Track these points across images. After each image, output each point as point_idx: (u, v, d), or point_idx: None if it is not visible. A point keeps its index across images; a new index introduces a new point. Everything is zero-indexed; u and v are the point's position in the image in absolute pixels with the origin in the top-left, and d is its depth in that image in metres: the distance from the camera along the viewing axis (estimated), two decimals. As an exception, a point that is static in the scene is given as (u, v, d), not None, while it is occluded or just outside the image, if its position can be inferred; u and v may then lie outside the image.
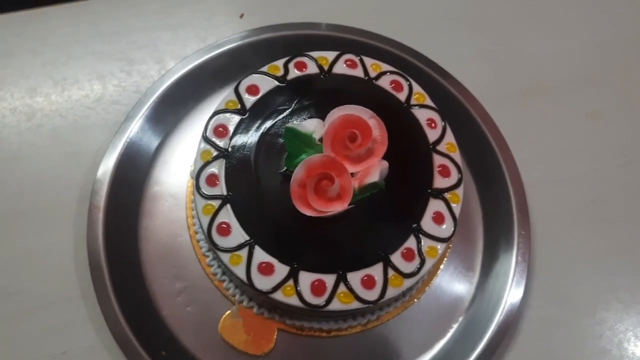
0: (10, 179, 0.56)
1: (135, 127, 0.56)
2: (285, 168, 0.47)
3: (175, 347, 0.51)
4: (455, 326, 0.54)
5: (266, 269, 0.45)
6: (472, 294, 0.55)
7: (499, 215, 0.56)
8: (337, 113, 0.46)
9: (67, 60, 0.61)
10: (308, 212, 0.45)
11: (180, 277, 0.53)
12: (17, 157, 0.56)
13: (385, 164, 0.46)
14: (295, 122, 0.49)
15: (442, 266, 0.55)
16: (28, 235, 0.54)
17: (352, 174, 0.46)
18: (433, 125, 0.51)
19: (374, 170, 0.45)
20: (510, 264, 0.54)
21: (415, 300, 0.54)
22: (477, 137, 0.58)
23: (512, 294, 0.53)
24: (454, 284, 0.55)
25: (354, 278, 0.45)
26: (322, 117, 0.48)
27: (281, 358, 0.52)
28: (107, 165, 0.54)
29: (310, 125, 0.47)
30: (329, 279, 0.45)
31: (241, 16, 0.64)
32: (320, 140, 0.47)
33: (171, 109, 0.58)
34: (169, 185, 0.57)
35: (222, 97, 0.51)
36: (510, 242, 0.55)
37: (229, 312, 0.52)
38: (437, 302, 0.55)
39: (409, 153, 0.49)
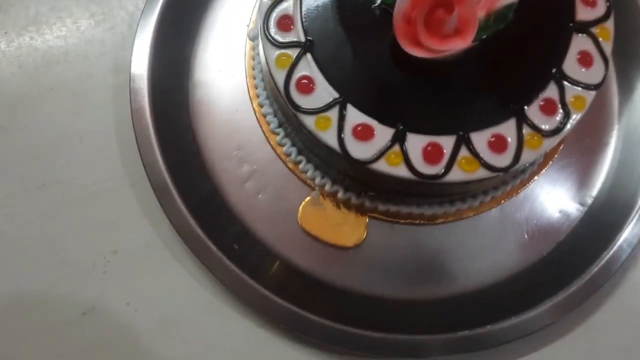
0: (30, 50, 0.46)
1: (175, -20, 0.44)
2: (380, 0, 0.36)
3: (248, 240, 0.42)
4: (584, 209, 0.44)
5: (363, 133, 0.35)
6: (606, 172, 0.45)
7: None
8: None
9: None
10: (418, 53, 0.34)
11: (246, 160, 0.44)
12: (36, 22, 0.46)
13: (520, -17, 0.35)
14: None
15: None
16: (58, 116, 0.44)
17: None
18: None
19: (508, -10, 0.34)
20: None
21: (536, 177, 0.44)
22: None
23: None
24: (582, 160, 0.45)
25: (479, 139, 0.35)
26: None
27: (374, 251, 0.43)
28: (146, 27, 0.43)
29: (416, -63, 0.35)
30: (447, 142, 0.35)
31: None
32: (430, -45, 0.35)
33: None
34: (222, 50, 0.46)
35: None
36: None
37: (308, 198, 0.43)
38: (564, 177, 0.44)
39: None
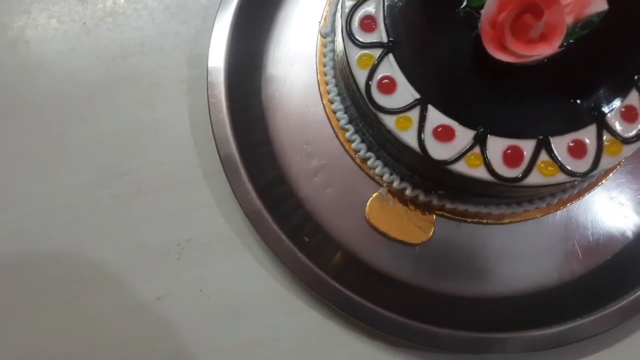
0: (107, 41, 0.47)
1: (252, -25, 0.45)
2: (465, 3, 0.36)
3: (318, 232, 0.43)
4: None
5: (444, 134, 0.36)
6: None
7: None
8: None
9: None
10: (505, 58, 0.34)
11: (315, 155, 0.45)
12: (113, 13, 0.47)
13: (609, -10, 0.35)
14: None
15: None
16: (134, 106, 0.46)
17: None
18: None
19: (598, -3, 0.34)
20: None
21: (603, 181, 0.44)
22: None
23: None
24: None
25: (559, 144, 0.35)
26: None
27: (440, 249, 0.44)
28: (222, 22, 0.44)
29: (505, -59, 0.36)
30: (527, 145, 0.35)
31: None
32: (519, -40, 0.35)
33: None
34: (293, 46, 0.47)
35: None
36: None
37: (376, 194, 0.44)
38: (631, 182, 0.44)
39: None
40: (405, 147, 0.36)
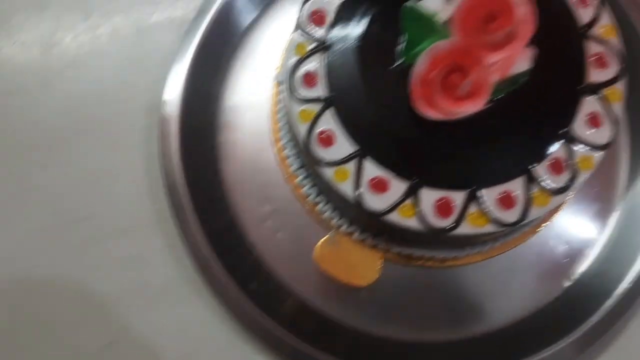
0: (69, 90, 0.48)
1: (208, 25, 0.47)
2: (401, 61, 0.38)
3: (266, 277, 0.44)
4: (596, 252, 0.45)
5: (379, 185, 0.37)
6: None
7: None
8: (469, -13, 0.36)
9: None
10: (433, 115, 0.36)
11: (267, 199, 0.46)
12: (74, 65, 0.49)
13: (533, 50, 0.36)
14: (413, 0, 0.39)
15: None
16: (93, 155, 0.47)
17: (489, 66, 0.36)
18: (585, 2, 0.40)
19: (521, 58, 0.35)
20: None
21: (547, 222, 0.45)
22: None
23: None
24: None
25: (489, 195, 0.37)
26: (449, -8, 0.38)
27: (386, 290, 0.45)
28: (178, 71, 0.46)
29: (434, 4, 0.37)
30: (458, 197, 0.37)
31: None
32: (447, 22, 0.37)
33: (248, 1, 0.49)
34: (248, 94, 0.49)
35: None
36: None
37: (325, 238, 0.45)
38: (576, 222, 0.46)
39: (554, 39, 0.39)
40: (344, 198, 0.38)
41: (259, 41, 0.49)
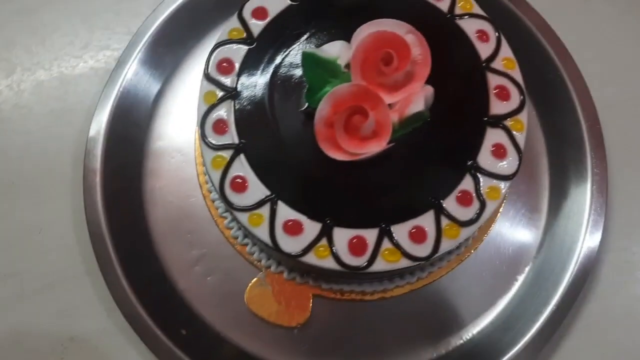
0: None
1: (128, 74, 0.48)
2: (306, 105, 0.39)
3: (196, 324, 0.44)
4: (520, 278, 0.46)
5: (293, 228, 0.38)
6: (540, 240, 0.47)
7: (567, 144, 0.47)
8: (366, 30, 0.37)
9: (44, 3, 0.52)
10: (338, 156, 0.37)
11: (196, 244, 0.46)
12: (-1, 120, 0.49)
13: (430, 89, 0.37)
14: (314, 46, 0.40)
15: (501, 209, 0.47)
16: (19, 209, 0.47)
17: (390, 105, 0.37)
18: (484, 37, 0.41)
19: (417, 98, 0.36)
20: (585, 200, 0.45)
21: (472, 251, 0.46)
22: (533, 51, 0.48)
23: (589, 235, 0.44)
24: (517, 229, 0.47)
25: (400, 231, 0.37)
26: (348, 38, 0.38)
27: (319, 328, 0.45)
28: (100, 121, 0.46)
29: (334, 49, 0.38)
30: (370, 235, 0.37)
31: None
32: (347, 66, 0.38)
33: (168, 49, 0.49)
34: (173, 139, 0.49)
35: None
36: (583, 174, 0.46)
37: (255, 279, 0.45)
38: (498, 252, 0.47)
39: (456, 74, 0.40)
40: (261, 241, 0.38)
41: (182, 86, 0.50)
